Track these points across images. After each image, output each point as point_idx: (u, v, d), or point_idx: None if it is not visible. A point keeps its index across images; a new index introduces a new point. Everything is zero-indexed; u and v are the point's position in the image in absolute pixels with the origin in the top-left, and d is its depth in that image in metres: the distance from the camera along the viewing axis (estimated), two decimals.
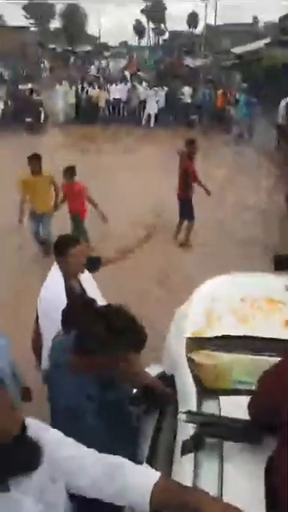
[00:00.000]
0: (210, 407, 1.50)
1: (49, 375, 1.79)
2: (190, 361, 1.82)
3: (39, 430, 1.22)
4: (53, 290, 2.52)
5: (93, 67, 26.62)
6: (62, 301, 2.36)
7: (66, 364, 1.58)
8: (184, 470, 1.25)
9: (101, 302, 2.44)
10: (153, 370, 2.02)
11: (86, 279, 2.74)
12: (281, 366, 1.27)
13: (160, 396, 1.81)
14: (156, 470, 1.21)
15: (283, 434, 1.15)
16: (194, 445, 1.29)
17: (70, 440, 1.26)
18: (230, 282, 2.59)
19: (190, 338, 1.97)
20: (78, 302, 2.35)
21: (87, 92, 15.72)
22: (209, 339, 1.93)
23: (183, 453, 1.30)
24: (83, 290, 2.67)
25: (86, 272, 2.73)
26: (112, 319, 1.47)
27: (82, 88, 15.95)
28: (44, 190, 5.66)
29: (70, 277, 2.62)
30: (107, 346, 1.44)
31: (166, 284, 5.13)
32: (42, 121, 14.73)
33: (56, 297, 2.44)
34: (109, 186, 8.25)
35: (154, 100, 15.21)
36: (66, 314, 2.16)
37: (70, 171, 5.60)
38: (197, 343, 1.92)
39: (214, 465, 1.25)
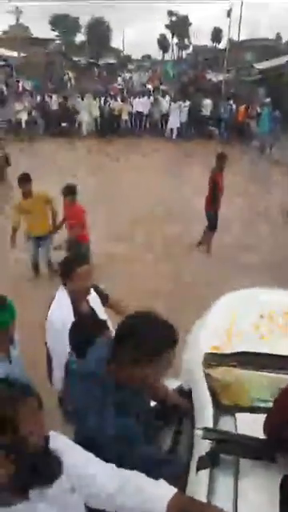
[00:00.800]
0: (226, 424, 1.50)
1: (81, 412, 1.55)
2: (208, 376, 1.80)
3: (58, 441, 1.23)
4: (60, 314, 2.44)
5: (118, 79, 27.07)
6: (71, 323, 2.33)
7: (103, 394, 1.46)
8: (199, 486, 1.25)
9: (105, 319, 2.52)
10: (171, 384, 2.00)
11: (93, 299, 2.63)
12: None
13: (177, 410, 1.81)
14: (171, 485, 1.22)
15: None
16: (210, 461, 1.29)
17: (88, 453, 1.27)
18: (249, 296, 2.56)
19: (210, 354, 1.95)
20: (89, 323, 2.32)
21: (109, 105, 15.96)
22: (227, 355, 1.91)
23: (199, 468, 1.30)
24: (93, 311, 2.59)
25: (92, 291, 2.62)
26: (144, 322, 1.48)
27: (106, 101, 16.21)
28: (39, 212, 5.10)
29: (78, 298, 2.52)
30: (149, 350, 1.42)
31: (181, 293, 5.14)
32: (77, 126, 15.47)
33: (64, 320, 2.37)
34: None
35: (178, 114, 15.36)
36: (77, 336, 2.10)
37: (68, 190, 5.01)
38: (215, 358, 1.91)
39: (229, 481, 1.25)
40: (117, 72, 32.72)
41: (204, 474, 1.27)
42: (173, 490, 1.15)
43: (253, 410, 1.58)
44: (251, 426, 1.33)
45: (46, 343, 2.57)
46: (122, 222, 7.32)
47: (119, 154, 12.72)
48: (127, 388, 1.47)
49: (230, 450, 1.30)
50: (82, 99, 16.08)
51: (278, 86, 17.78)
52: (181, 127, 15.48)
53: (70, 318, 2.37)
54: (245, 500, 1.17)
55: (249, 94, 18.47)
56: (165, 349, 1.43)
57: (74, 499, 1.22)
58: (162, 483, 1.19)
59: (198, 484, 1.28)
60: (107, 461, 1.27)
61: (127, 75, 30.53)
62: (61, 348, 2.34)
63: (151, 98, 16.62)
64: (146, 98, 16.51)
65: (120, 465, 1.27)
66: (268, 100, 15.06)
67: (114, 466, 1.26)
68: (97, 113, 15.96)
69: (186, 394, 1.90)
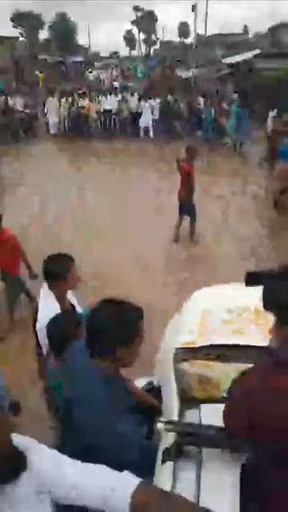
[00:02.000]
0: (191, 416, 1.57)
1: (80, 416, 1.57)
2: (180, 371, 1.88)
3: (23, 441, 1.27)
4: (48, 312, 2.39)
5: (85, 77, 26.63)
6: None
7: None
8: (164, 477, 1.30)
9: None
10: (141, 382, 2.13)
11: (70, 295, 2.73)
12: (245, 374, 1.29)
13: (150, 408, 1.88)
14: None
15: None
16: (174, 453, 1.35)
17: (54, 452, 1.32)
18: (219, 293, 2.67)
19: (180, 349, 2.04)
20: (71, 318, 2.35)
21: (77, 104, 15.61)
22: (199, 349, 2.00)
23: (164, 461, 1.34)
24: (73, 306, 2.67)
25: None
26: (111, 312, 1.58)
27: (73, 100, 15.84)
28: None
29: (62, 296, 2.59)
30: (122, 332, 1.54)
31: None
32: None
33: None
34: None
35: (149, 112, 15.17)
36: (57, 332, 2.15)
37: None
38: (187, 354, 1.99)
39: (192, 471, 1.30)
40: (84, 70, 32.17)
41: (168, 465, 1.33)
42: (138, 481, 1.20)
43: (218, 400, 1.61)
44: (215, 416, 1.35)
45: (36, 345, 2.61)
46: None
47: (86, 158, 12.45)
48: (115, 381, 1.60)
49: (193, 441, 1.35)
50: (51, 98, 15.70)
51: (246, 83, 17.80)
52: (153, 126, 15.29)
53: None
54: (207, 487, 1.23)
55: (218, 91, 18.43)
56: (137, 329, 1.57)
57: (38, 501, 1.23)
58: (127, 474, 1.23)
59: (163, 475, 1.32)
60: (105, 458, 1.31)
61: (94, 73, 30.06)
62: None
63: (119, 95, 16.34)
64: (113, 95, 16.22)
65: (117, 460, 1.30)
66: (235, 96, 15.00)
67: (76, 461, 1.30)
68: (65, 113, 15.61)
69: (155, 391, 2.02)
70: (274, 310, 1.26)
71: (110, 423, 1.45)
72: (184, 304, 2.67)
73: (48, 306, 2.48)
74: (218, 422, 1.31)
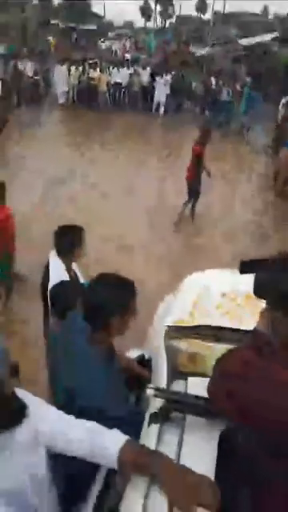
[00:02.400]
0: (178, 386, 1.70)
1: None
2: (171, 347, 2.00)
3: (25, 395, 1.36)
4: (59, 277, 2.61)
5: (98, 46, 25.92)
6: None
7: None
8: (150, 438, 1.41)
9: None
10: (134, 353, 2.26)
11: (75, 266, 2.92)
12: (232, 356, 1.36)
13: (138, 376, 2.04)
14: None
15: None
16: (160, 417, 1.47)
17: (52, 408, 1.43)
18: (213, 277, 2.77)
19: (172, 326, 2.17)
20: (75, 285, 2.61)
21: (88, 74, 15.29)
22: (190, 328, 2.13)
23: (150, 423, 1.47)
24: (76, 275, 2.85)
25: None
26: (106, 286, 1.72)
27: (83, 69, 15.50)
28: None
29: (68, 268, 2.78)
30: (118, 302, 1.69)
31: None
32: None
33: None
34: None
35: (163, 88, 14.91)
36: (61, 298, 2.31)
37: None
38: (178, 331, 2.12)
39: (175, 435, 1.42)
40: (97, 39, 31.30)
41: (154, 427, 1.44)
42: (126, 438, 1.31)
43: (204, 374, 1.70)
44: (200, 388, 1.45)
45: (44, 305, 2.75)
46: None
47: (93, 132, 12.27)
48: (112, 361, 1.75)
49: (178, 407, 1.48)
50: (60, 66, 15.34)
51: (261, 66, 17.41)
52: (166, 102, 15.03)
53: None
54: (187, 449, 1.35)
55: (232, 72, 18.04)
56: (130, 301, 1.72)
57: (36, 451, 1.32)
58: (116, 431, 1.34)
59: (149, 436, 1.43)
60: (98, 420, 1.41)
61: (108, 43, 29.27)
62: None
63: (131, 68, 15.99)
64: (125, 68, 15.88)
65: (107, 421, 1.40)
66: (249, 79, 14.70)
67: (72, 417, 1.41)
68: (75, 82, 15.29)
69: (145, 362, 2.15)
70: (263, 297, 1.31)
71: (110, 407, 1.57)
72: (179, 285, 2.75)
73: (59, 271, 2.66)
74: (203, 393, 1.40)
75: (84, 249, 2.80)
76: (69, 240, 2.74)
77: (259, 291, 1.35)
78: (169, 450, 1.35)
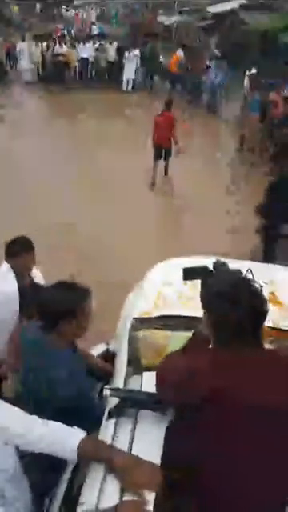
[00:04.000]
0: (135, 381, 1.86)
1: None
2: (134, 339, 2.10)
3: None
4: (3, 287, 2.66)
5: (63, 16, 24.80)
6: (15, 299, 2.65)
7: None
8: (106, 432, 1.59)
9: None
10: (99, 349, 2.38)
11: (36, 276, 2.93)
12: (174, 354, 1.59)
13: (101, 372, 2.21)
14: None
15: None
16: (116, 413, 1.64)
17: (11, 406, 1.52)
18: (180, 265, 2.76)
19: (137, 318, 2.24)
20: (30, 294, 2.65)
21: (53, 50, 14.73)
22: (154, 319, 2.20)
23: (107, 419, 1.65)
24: (37, 285, 2.86)
25: (35, 270, 2.90)
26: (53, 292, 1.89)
27: (48, 45, 14.94)
28: None
29: (21, 273, 2.78)
30: (66, 306, 1.83)
31: None
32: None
33: (7, 292, 2.64)
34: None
35: (133, 63, 14.65)
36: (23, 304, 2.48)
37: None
38: (143, 323, 2.19)
39: (128, 427, 1.59)
40: (60, 9, 29.90)
41: (110, 423, 1.61)
42: (84, 433, 1.47)
43: None
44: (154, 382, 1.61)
45: None
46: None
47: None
48: (73, 354, 1.90)
49: (132, 404, 1.65)
50: (21, 43, 14.78)
51: (229, 36, 17.15)
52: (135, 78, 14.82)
53: (14, 290, 2.66)
54: (139, 441, 1.53)
55: (200, 43, 17.74)
56: (80, 306, 1.85)
57: (6, 450, 1.44)
58: (75, 428, 1.49)
59: (106, 431, 1.58)
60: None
61: (72, 12, 28.00)
62: (5, 316, 2.64)
63: (97, 43, 15.54)
64: (91, 43, 15.41)
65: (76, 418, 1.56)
66: (217, 51, 14.52)
67: (35, 416, 1.52)
68: (40, 59, 14.77)
69: (110, 357, 2.26)
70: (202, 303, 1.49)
71: (74, 395, 1.76)
72: (146, 275, 2.84)
73: (2, 280, 2.69)
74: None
75: (33, 259, 2.78)
76: (17, 250, 2.73)
77: (201, 298, 1.53)
78: (123, 441, 1.54)
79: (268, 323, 1.62)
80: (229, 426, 1.29)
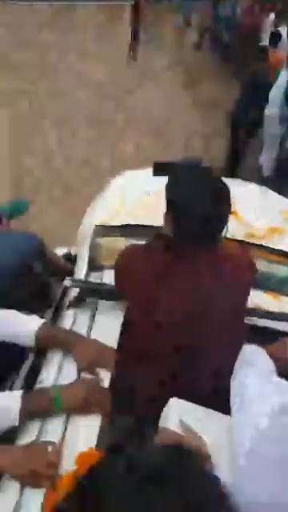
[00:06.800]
0: (95, 277, 1.94)
1: None
2: (95, 244, 2.18)
3: None
4: None
5: None
6: None
7: None
8: (66, 320, 1.65)
9: None
10: (59, 251, 2.44)
11: None
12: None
13: (61, 270, 2.24)
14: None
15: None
16: (77, 302, 1.70)
17: None
18: (139, 176, 2.82)
19: (100, 226, 2.30)
20: None
21: None
22: (115, 227, 2.27)
23: (68, 307, 1.71)
24: None
25: None
26: None
27: None
28: None
29: None
30: None
31: None
32: None
33: None
34: None
35: None
36: None
37: None
38: (104, 230, 2.26)
39: (88, 316, 1.67)
40: None
41: (70, 312, 1.67)
42: (42, 320, 1.49)
43: None
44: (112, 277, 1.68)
45: None
46: None
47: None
48: None
49: (92, 294, 1.72)
50: None
51: None
52: None
53: None
54: (97, 327, 1.61)
55: None
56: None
57: None
58: (34, 316, 1.52)
59: (65, 319, 1.64)
60: None
61: None
62: None
63: None
64: None
65: None
66: None
67: None
68: None
69: (71, 258, 2.34)
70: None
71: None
72: (110, 184, 2.84)
73: None
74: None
75: None
76: None
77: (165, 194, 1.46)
78: (82, 327, 1.60)
79: (227, 234, 1.64)
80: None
